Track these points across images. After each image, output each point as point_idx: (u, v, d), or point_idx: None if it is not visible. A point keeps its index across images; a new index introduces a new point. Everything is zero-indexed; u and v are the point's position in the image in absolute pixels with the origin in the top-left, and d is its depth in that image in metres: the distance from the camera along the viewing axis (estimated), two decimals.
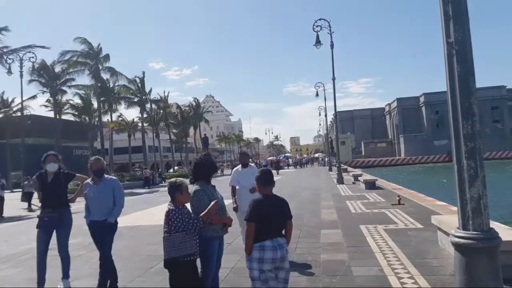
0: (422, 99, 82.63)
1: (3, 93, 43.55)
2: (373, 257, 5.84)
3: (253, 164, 6.63)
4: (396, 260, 5.58)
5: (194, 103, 59.10)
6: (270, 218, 3.29)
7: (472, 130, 2.80)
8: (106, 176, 5.14)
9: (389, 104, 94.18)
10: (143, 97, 45.13)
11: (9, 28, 23.90)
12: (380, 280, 4.79)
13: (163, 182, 37.34)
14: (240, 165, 6.34)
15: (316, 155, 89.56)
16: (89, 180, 5.12)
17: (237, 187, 6.12)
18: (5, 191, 18.21)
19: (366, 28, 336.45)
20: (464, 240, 2.77)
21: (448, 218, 6.28)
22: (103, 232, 4.96)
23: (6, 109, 42.68)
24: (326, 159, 55.45)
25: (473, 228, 2.78)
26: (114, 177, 5.41)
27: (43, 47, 26.12)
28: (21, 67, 25.75)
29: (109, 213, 4.95)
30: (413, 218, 8.93)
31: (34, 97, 37.47)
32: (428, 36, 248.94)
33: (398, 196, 12.09)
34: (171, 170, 53.54)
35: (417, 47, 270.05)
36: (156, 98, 48.64)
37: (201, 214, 3.64)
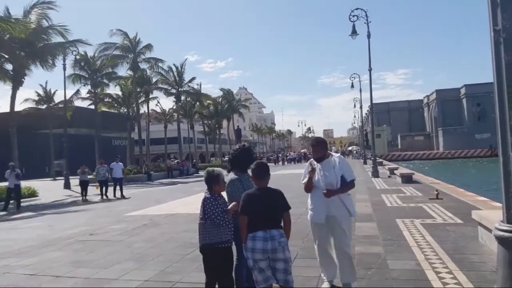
0: (463, 91, 79.52)
1: (46, 84, 45.70)
2: (409, 251, 5.74)
3: (337, 154, 4.55)
4: (434, 255, 5.46)
5: (224, 93, 59.18)
6: (262, 211, 3.31)
7: None
8: None
9: (428, 96, 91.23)
10: (180, 89, 45.92)
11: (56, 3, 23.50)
12: (417, 274, 4.71)
13: (197, 172, 38.13)
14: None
15: (350, 148, 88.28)
16: None
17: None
18: (47, 179, 18.74)
19: (404, 17, 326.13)
20: (508, 233, 2.69)
21: (490, 213, 6.06)
22: None
23: (51, 103, 44.92)
24: (361, 152, 54.50)
25: None
26: None
27: (86, 42, 26.71)
28: (64, 60, 26.71)
29: None
30: (452, 213, 8.67)
31: (77, 91, 39.18)
32: (471, 24, 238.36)
33: (436, 190, 11.75)
34: (195, 160, 53.15)
35: (459, 36, 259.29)
36: (191, 90, 49.29)
37: (228, 207, 3.69)
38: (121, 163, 18.98)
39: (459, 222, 7.70)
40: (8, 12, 21.40)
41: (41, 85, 45.56)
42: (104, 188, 17.43)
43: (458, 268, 4.82)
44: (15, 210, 14.99)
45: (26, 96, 45.95)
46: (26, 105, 44.93)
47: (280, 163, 56.66)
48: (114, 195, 17.50)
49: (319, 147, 4.34)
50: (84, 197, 17.24)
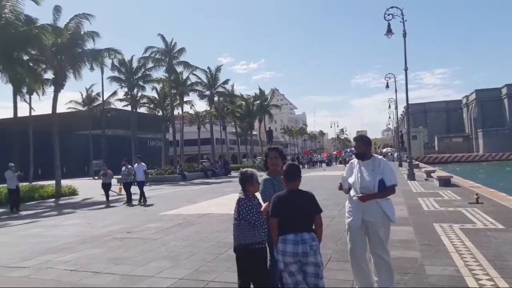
0: (504, 91, 76.16)
1: (92, 89, 47.71)
2: (448, 257, 5.55)
3: (379, 156, 4.29)
4: (473, 261, 5.26)
5: (257, 93, 59.15)
6: (292, 213, 3.26)
7: None
8: None
9: (467, 96, 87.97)
10: (213, 90, 46.48)
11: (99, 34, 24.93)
12: (456, 280, 4.55)
13: (230, 173, 38.45)
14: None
15: (385, 149, 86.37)
16: None
17: (351, 191, 4.13)
18: (86, 178, 18.71)
19: (442, 15, 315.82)
20: None
21: None
22: None
23: (91, 105, 46.81)
24: (396, 154, 52.86)
25: None
26: None
27: (118, 51, 27.35)
28: (102, 64, 27.58)
29: None
30: (493, 218, 8.32)
31: (115, 93, 40.54)
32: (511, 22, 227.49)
33: (476, 194, 11.30)
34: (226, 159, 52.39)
35: (501, 34, 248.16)
36: (224, 91, 49.75)
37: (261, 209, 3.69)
38: (143, 164, 16.40)
39: (500, 228, 7.39)
40: (56, 17, 22.46)
41: (81, 92, 47.73)
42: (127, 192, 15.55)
43: (500, 275, 4.64)
44: (14, 212, 14.79)
45: (69, 99, 48.15)
46: (68, 106, 47.05)
47: (306, 166, 49.35)
48: (139, 202, 15.30)
49: (361, 143, 4.15)
50: (107, 203, 15.68)
